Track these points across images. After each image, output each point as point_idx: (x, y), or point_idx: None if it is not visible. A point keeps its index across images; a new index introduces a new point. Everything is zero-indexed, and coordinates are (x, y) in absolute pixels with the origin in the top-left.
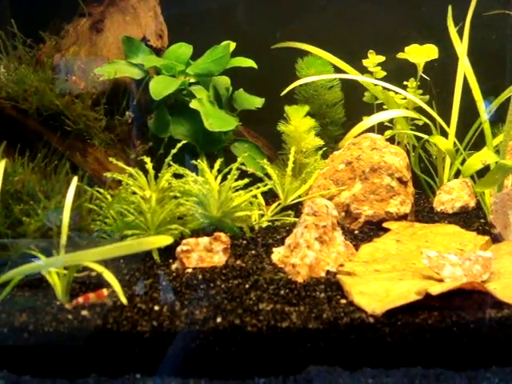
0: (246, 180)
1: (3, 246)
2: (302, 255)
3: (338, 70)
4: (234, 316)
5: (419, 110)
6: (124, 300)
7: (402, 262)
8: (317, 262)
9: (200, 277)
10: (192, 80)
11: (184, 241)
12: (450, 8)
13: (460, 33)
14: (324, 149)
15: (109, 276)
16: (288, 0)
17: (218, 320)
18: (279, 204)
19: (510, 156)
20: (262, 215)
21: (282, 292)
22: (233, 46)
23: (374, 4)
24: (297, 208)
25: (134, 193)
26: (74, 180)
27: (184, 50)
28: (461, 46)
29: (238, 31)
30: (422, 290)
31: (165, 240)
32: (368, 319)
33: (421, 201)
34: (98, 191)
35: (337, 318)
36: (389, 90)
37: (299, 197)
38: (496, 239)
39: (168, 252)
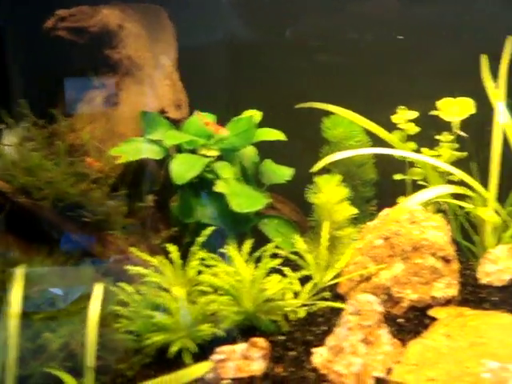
0: (278, 261)
1: None
2: (348, 363)
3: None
4: None
5: (457, 163)
6: None
7: (455, 365)
8: (364, 369)
9: None
10: (213, 153)
11: (218, 349)
12: (485, 58)
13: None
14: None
15: None
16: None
17: None
18: (314, 284)
19: None
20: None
21: None
22: (258, 116)
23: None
24: (333, 286)
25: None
26: (100, 289)
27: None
28: (501, 104)
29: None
30: None
31: (203, 368)
32: None
33: (463, 266)
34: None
35: None
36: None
37: (336, 274)
38: None
39: (201, 354)
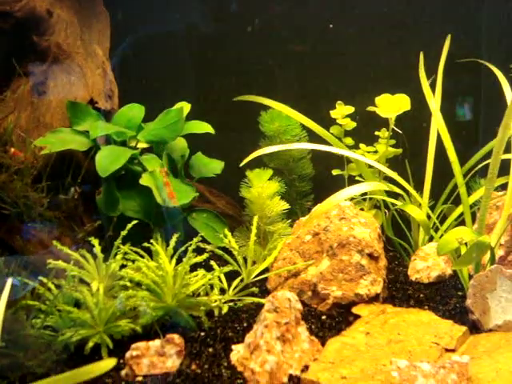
0: (205, 255)
1: None
2: (262, 360)
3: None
4: None
5: (391, 161)
6: None
7: (371, 362)
8: (278, 367)
9: None
10: (144, 145)
11: (133, 345)
12: (421, 56)
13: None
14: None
15: None
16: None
17: None
18: (242, 280)
19: (499, 212)
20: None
21: None
22: (187, 107)
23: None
24: (262, 282)
25: (82, 279)
26: (8, 283)
27: (135, 112)
28: (434, 101)
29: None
30: None
31: (107, 364)
32: None
33: (395, 263)
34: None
35: None
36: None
37: (265, 269)
38: (474, 326)
39: (120, 348)
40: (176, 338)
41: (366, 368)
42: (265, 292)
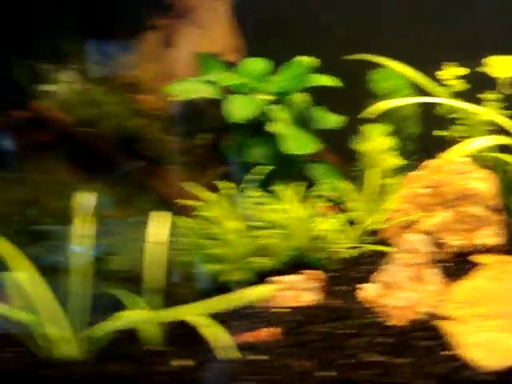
0: (327, 203)
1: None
2: (396, 297)
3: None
4: (333, 368)
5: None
6: None
7: (504, 304)
8: (411, 305)
9: (293, 319)
10: (268, 97)
11: (274, 278)
12: None
13: None
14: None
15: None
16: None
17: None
18: (360, 228)
19: None
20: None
21: (379, 339)
22: (313, 62)
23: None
24: (375, 232)
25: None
26: (168, 217)
27: (260, 64)
28: None
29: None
30: None
31: (267, 290)
32: (485, 376)
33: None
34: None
35: (447, 374)
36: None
37: (381, 221)
38: None
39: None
40: (316, 273)
41: (500, 309)
42: (379, 241)
